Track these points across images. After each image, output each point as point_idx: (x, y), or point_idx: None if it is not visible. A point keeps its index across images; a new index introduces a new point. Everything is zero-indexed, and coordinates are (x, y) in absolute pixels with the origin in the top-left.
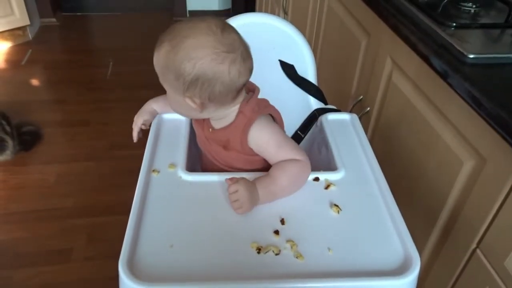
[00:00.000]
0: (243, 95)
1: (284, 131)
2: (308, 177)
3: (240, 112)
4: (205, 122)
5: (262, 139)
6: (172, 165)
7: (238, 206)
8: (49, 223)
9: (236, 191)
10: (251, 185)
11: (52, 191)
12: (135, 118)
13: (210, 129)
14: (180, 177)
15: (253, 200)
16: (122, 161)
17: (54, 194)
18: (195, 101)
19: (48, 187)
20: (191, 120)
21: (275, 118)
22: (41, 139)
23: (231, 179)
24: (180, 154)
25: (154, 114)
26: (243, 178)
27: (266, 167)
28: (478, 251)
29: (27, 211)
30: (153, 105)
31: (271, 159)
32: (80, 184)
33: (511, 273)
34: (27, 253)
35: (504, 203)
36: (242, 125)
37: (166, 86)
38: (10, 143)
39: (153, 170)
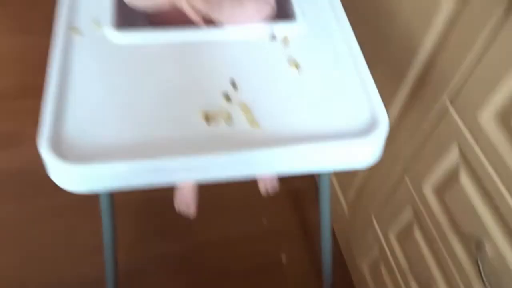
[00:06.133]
0: None
1: None
2: (271, 10)
3: None
4: None
5: None
6: (96, 21)
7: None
8: None
9: None
10: None
11: None
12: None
13: None
14: (110, 38)
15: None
16: None
17: None
18: None
19: None
20: None
21: None
22: None
23: None
24: (107, 5)
25: None
26: None
27: None
28: (449, 105)
29: None
30: None
31: None
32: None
33: (482, 127)
34: None
35: (483, 53)
36: None
37: None
38: None
39: (72, 29)
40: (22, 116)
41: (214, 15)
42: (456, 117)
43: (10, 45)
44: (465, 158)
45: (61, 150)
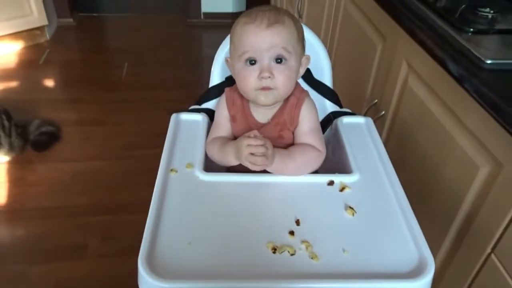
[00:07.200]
0: None
1: None
2: (317, 167)
3: (291, 94)
4: (248, 121)
5: (306, 115)
6: (190, 164)
7: (262, 160)
8: (65, 220)
9: (267, 148)
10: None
11: (68, 189)
12: (248, 153)
13: (267, 119)
14: (198, 177)
15: (271, 162)
16: (137, 161)
17: (70, 192)
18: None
19: (64, 185)
20: (208, 119)
21: None
22: (58, 140)
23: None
24: (198, 154)
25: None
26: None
27: None
28: (492, 256)
29: (43, 208)
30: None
31: (299, 136)
32: (95, 183)
33: None
34: (43, 249)
35: None
36: (296, 102)
37: (291, 56)
38: (4, 140)
39: (171, 170)
40: (87, 231)
41: (267, 168)
42: (499, 266)
43: (89, 168)
44: None
45: (154, 269)
